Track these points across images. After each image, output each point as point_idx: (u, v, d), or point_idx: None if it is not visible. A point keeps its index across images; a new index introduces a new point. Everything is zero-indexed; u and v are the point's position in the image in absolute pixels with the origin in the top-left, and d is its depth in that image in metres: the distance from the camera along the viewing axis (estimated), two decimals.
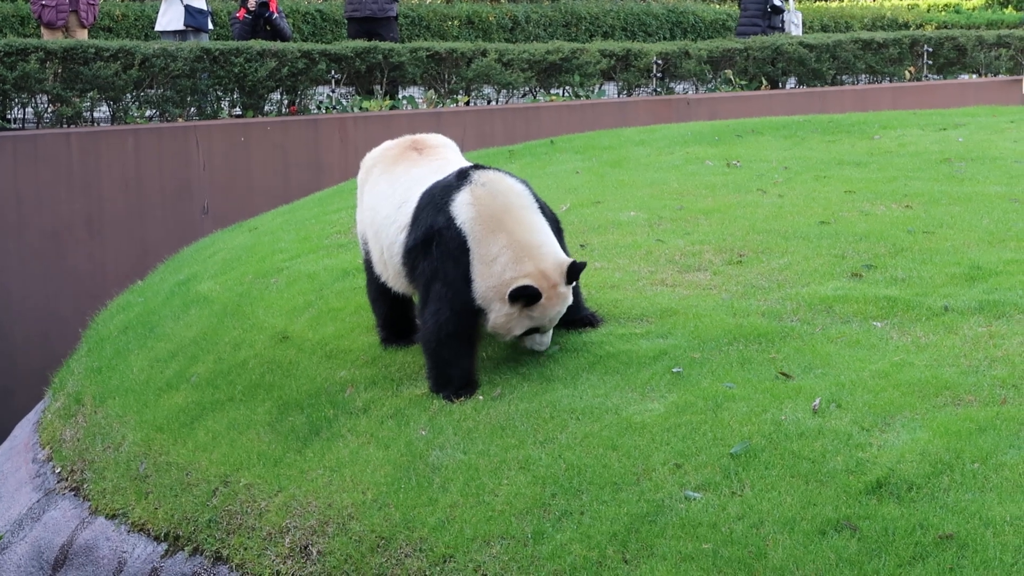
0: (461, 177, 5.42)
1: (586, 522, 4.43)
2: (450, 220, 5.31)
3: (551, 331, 5.53)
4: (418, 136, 6.10)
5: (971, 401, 4.80)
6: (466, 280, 5.29)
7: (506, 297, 5.23)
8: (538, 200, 5.51)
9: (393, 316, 6.01)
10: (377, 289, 5.95)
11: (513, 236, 5.27)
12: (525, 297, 5.22)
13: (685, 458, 4.61)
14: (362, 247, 6.07)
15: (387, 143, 6.12)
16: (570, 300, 5.44)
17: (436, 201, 5.41)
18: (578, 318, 5.75)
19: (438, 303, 5.34)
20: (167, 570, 5.37)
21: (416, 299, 5.74)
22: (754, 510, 4.28)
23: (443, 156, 5.92)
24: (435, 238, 5.34)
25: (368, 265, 5.99)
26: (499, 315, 5.29)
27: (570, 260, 5.35)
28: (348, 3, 16.66)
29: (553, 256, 5.34)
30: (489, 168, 5.52)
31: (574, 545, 4.35)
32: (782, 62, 18.01)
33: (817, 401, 4.83)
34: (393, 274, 5.71)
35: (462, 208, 5.31)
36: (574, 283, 5.42)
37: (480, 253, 5.27)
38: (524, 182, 5.53)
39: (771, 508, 4.27)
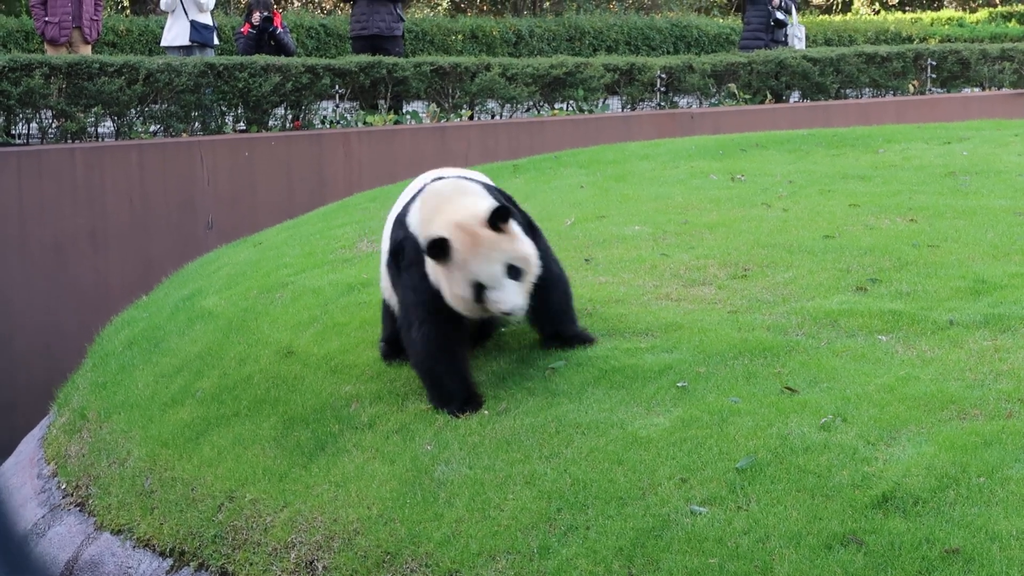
0: (422, 190, 5.50)
1: (592, 537, 4.42)
2: (406, 230, 5.41)
3: (510, 287, 5.20)
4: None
5: (977, 415, 4.79)
6: (423, 278, 5.32)
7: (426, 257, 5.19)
8: (498, 192, 5.50)
9: (396, 333, 6.03)
10: (384, 305, 6.00)
11: (444, 215, 5.22)
12: (434, 249, 5.12)
13: (691, 472, 4.60)
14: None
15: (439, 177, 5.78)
16: (513, 245, 5.22)
17: (399, 217, 5.54)
18: (569, 336, 5.71)
19: (412, 315, 5.40)
20: None
21: None
22: (760, 524, 4.27)
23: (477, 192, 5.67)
24: (399, 251, 5.46)
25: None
26: (444, 287, 5.22)
27: (495, 206, 5.20)
28: (355, 21, 16.63)
29: (470, 208, 5.21)
30: (454, 176, 5.55)
31: (580, 560, 4.34)
32: (786, 76, 18.03)
33: (828, 418, 4.82)
34: (388, 295, 5.84)
35: (414, 216, 5.40)
36: (506, 227, 5.21)
37: None
38: (486, 183, 5.52)
39: (777, 522, 4.27)
